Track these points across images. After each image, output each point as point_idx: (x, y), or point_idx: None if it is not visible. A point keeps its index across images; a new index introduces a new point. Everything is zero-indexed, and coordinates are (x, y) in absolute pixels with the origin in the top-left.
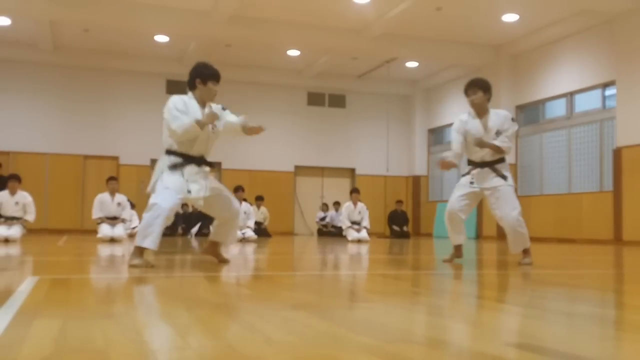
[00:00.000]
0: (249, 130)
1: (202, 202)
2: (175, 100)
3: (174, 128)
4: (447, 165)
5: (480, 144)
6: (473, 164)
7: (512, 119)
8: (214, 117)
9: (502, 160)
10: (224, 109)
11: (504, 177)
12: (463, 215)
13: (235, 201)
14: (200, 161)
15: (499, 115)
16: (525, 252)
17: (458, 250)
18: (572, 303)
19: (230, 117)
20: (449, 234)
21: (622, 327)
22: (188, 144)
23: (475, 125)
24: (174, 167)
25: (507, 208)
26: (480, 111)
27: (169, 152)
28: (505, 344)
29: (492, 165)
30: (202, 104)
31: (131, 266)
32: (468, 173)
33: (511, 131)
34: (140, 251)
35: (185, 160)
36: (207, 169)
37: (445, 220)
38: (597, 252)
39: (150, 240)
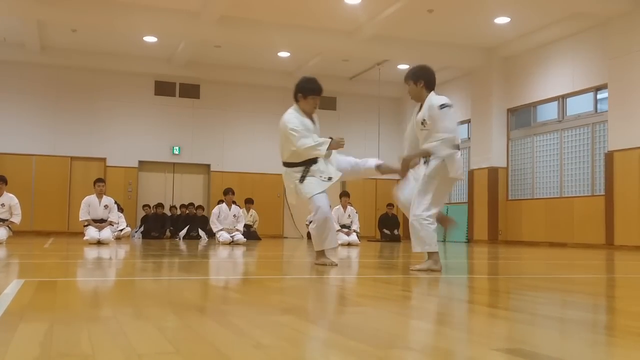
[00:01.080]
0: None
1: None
2: (293, 119)
3: (299, 145)
4: (405, 168)
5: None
6: None
7: (442, 105)
8: (340, 146)
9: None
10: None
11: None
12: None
13: None
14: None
15: (429, 103)
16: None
17: (444, 220)
18: (563, 308)
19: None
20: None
21: (613, 332)
22: None
23: (414, 118)
24: (302, 178)
25: (415, 204)
26: (419, 102)
27: (291, 164)
28: (496, 349)
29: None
30: (308, 115)
31: (318, 264)
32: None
33: (442, 123)
34: (323, 252)
35: (308, 164)
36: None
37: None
38: (588, 257)
39: (329, 241)
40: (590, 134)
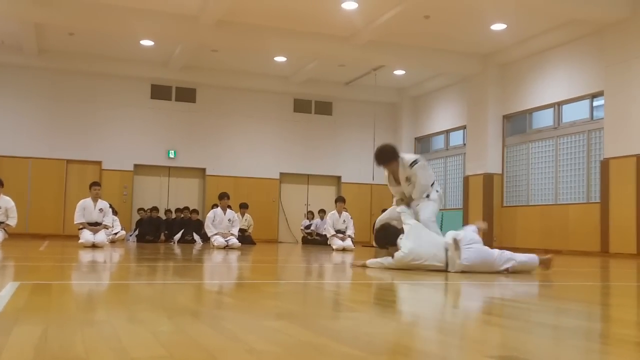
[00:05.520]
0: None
1: None
2: None
3: None
4: None
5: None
6: None
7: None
8: None
9: None
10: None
11: None
12: None
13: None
14: None
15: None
16: None
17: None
18: (557, 315)
19: None
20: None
21: (608, 340)
22: None
23: None
24: None
25: None
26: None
27: None
28: (490, 357)
29: None
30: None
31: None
32: None
33: None
34: None
35: None
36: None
37: None
38: (583, 264)
39: None
40: (586, 141)
